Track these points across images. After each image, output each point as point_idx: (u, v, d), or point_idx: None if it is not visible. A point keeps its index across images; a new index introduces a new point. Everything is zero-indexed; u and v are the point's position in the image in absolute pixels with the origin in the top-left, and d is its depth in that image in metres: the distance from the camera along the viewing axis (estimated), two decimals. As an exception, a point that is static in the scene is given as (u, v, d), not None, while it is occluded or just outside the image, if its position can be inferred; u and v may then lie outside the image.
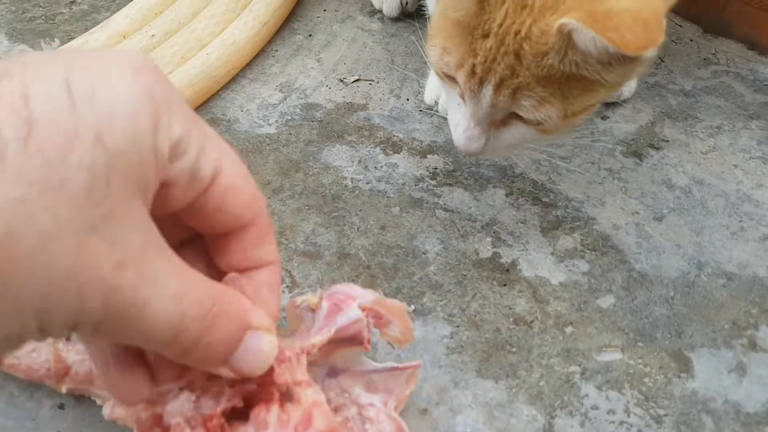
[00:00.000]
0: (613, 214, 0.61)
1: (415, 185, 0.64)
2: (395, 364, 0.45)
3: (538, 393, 0.49)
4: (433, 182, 0.64)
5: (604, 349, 0.51)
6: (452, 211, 0.61)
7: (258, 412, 0.37)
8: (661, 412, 0.47)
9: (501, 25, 0.46)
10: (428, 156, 0.66)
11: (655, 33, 0.42)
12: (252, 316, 0.34)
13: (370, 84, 0.73)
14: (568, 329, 0.53)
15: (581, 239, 0.59)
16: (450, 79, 0.52)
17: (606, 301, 0.55)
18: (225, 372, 0.34)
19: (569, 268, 0.57)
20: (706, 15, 0.79)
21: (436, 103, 0.69)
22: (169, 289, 0.29)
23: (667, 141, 0.68)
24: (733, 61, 0.77)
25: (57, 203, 0.25)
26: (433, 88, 0.70)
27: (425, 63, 0.71)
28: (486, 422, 0.47)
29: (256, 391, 0.37)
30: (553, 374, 0.50)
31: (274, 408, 0.36)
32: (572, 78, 0.47)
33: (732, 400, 0.48)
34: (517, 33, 0.45)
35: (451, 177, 0.64)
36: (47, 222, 0.25)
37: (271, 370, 0.36)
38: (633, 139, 0.68)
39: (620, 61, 0.45)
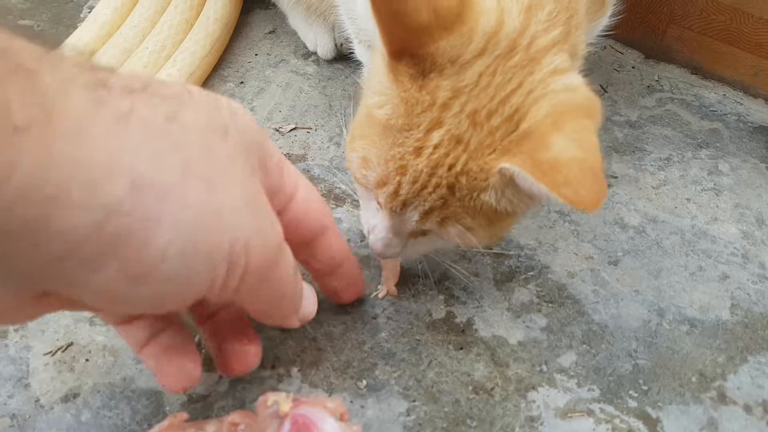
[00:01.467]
0: (567, 261, 0.59)
1: (361, 241, 0.60)
2: None
3: (503, 472, 0.45)
4: (380, 236, 0.60)
5: (570, 414, 0.48)
6: (401, 268, 0.58)
7: None
8: (634, 482, 0.45)
9: (436, 148, 0.42)
10: (373, 208, 0.63)
11: (604, 184, 0.39)
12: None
13: (308, 132, 0.70)
14: (530, 395, 0.50)
15: (537, 291, 0.56)
16: (365, 188, 0.48)
17: (567, 359, 0.52)
18: (295, 321, 0.46)
19: (527, 324, 0.54)
20: (646, 41, 0.78)
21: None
22: (287, 248, 0.40)
23: (616, 177, 0.66)
24: (677, 87, 0.75)
25: (229, 140, 0.35)
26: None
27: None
28: None
29: None
30: (518, 449, 0.46)
31: None
32: (500, 210, 0.44)
33: (705, 462, 0.46)
34: (451, 167, 0.43)
35: (397, 230, 0.61)
36: (223, 152, 0.34)
37: None
38: (583, 177, 0.66)
39: (555, 203, 0.46)
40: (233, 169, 0.34)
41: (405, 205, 0.45)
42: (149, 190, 0.29)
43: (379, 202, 0.47)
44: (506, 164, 0.41)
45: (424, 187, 0.43)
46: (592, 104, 0.43)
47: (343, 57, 0.76)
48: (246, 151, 0.36)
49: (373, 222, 0.49)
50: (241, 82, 0.74)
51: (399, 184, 0.44)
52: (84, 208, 0.27)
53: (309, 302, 0.47)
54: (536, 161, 0.40)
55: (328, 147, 0.68)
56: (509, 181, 0.42)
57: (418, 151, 0.43)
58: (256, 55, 0.78)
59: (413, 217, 0.45)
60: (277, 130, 0.69)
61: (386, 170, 0.44)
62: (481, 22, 0.42)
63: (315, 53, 0.77)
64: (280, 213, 0.40)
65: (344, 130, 0.69)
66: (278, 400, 0.41)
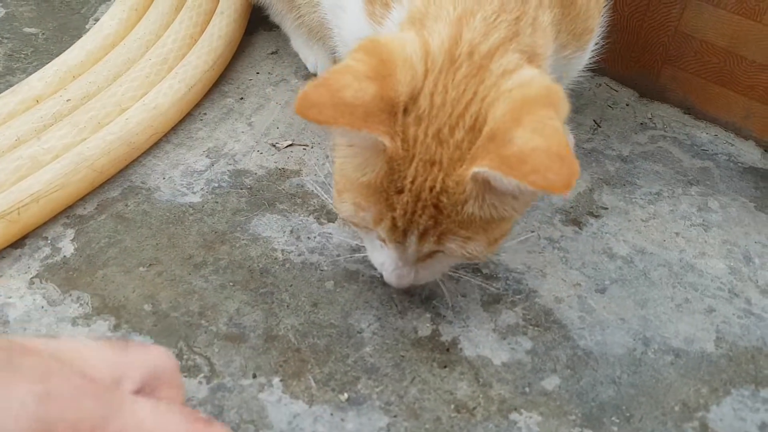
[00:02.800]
0: (554, 286, 0.59)
1: (351, 256, 0.60)
2: None
3: (481, 491, 0.45)
4: (369, 254, 0.60)
5: (551, 437, 0.48)
6: (390, 285, 0.58)
7: None
8: (613, 507, 0.44)
9: (413, 181, 0.44)
10: (364, 226, 0.63)
11: (573, 165, 0.40)
12: None
13: (304, 149, 0.70)
14: (512, 416, 0.49)
15: (523, 314, 0.56)
16: (365, 228, 0.50)
17: (551, 383, 0.52)
18: None
19: (512, 345, 0.54)
20: (641, 79, 0.80)
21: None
22: None
23: (606, 208, 0.66)
24: (669, 125, 0.76)
25: None
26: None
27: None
28: None
29: None
30: (497, 468, 0.46)
31: None
32: (488, 217, 0.45)
33: (686, 491, 0.45)
34: (432, 188, 0.44)
35: (387, 248, 0.61)
36: None
37: None
38: (572, 207, 0.66)
39: (533, 194, 0.45)
40: None
41: (405, 233, 0.47)
42: None
43: (381, 239, 0.49)
44: (476, 169, 0.42)
45: (413, 213, 0.45)
46: (550, 92, 0.44)
47: (343, 79, 0.77)
48: None
49: (381, 258, 0.51)
50: (241, 98, 0.75)
51: (392, 218, 0.46)
52: None
53: None
54: (503, 158, 0.41)
55: (323, 164, 0.69)
56: (485, 186, 0.43)
57: (399, 190, 0.45)
58: (258, 73, 0.79)
59: (413, 242, 0.47)
60: (274, 146, 0.70)
61: (378, 210, 0.46)
62: (406, 53, 0.44)
63: (315, 74, 0.78)
64: None
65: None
66: None
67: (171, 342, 0.53)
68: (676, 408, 0.50)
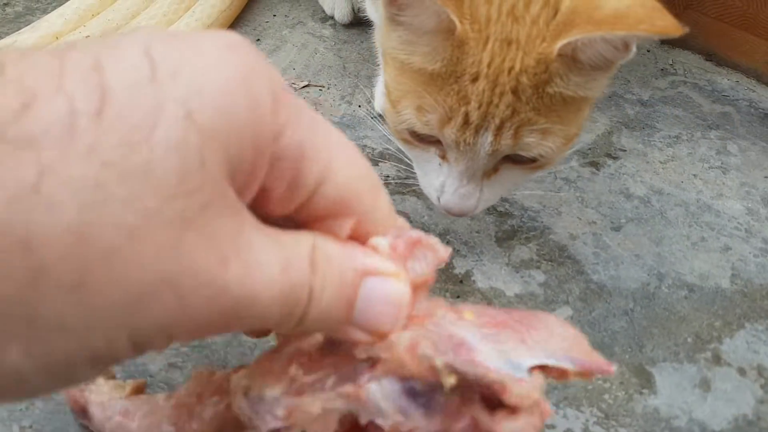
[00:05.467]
0: (569, 224, 0.59)
1: (365, 194, 0.60)
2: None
3: (491, 412, 0.45)
4: (386, 191, 0.60)
5: (562, 364, 0.48)
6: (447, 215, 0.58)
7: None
8: (623, 431, 0.44)
9: (490, 65, 0.42)
10: (380, 164, 0.63)
11: (670, 15, 0.39)
12: (365, 259, 0.27)
13: (320, 90, 0.70)
14: (524, 343, 0.50)
15: (537, 249, 0.56)
16: (422, 141, 0.47)
17: (563, 313, 0.52)
18: (357, 334, 0.28)
19: (525, 279, 0.54)
20: (662, 26, 0.78)
21: (388, 109, 0.66)
22: (274, 266, 0.24)
23: (625, 150, 0.66)
24: (690, 71, 0.75)
25: (142, 190, 0.21)
26: (382, 96, 0.67)
27: (378, 69, 0.68)
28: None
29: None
30: (508, 391, 0.46)
31: None
32: (568, 101, 0.44)
33: (697, 418, 0.46)
34: (510, 70, 0.42)
35: (403, 185, 0.61)
36: (131, 214, 0.21)
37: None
38: (590, 149, 0.66)
39: (610, 67, 0.44)
40: (166, 214, 0.21)
41: (477, 131, 0.44)
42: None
43: (441, 153, 0.47)
44: (567, 39, 0.40)
45: (489, 103, 0.43)
46: None
47: (360, 22, 0.77)
48: (200, 146, 0.22)
49: (440, 179, 0.48)
50: (257, 40, 0.75)
51: (466, 113, 0.43)
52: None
53: (375, 308, 0.28)
54: (597, 22, 0.40)
55: (340, 105, 0.69)
56: (570, 62, 0.42)
57: (474, 77, 0.43)
58: (274, 15, 0.78)
59: (487, 141, 0.44)
60: (290, 86, 0.70)
61: (446, 107, 0.44)
62: None
63: (332, 17, 0.78)
64: (306, 203, 0.26)
65: (364, 92, 0.70)
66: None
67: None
68: (689, 339, 0.51)
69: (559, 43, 0.41)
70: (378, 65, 0.68)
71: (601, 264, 0.56)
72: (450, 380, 0.27)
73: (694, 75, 0.75)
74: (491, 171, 0.48)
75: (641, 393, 0.47)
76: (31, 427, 0.41)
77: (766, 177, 0.64)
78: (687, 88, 0.73)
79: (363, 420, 0.29)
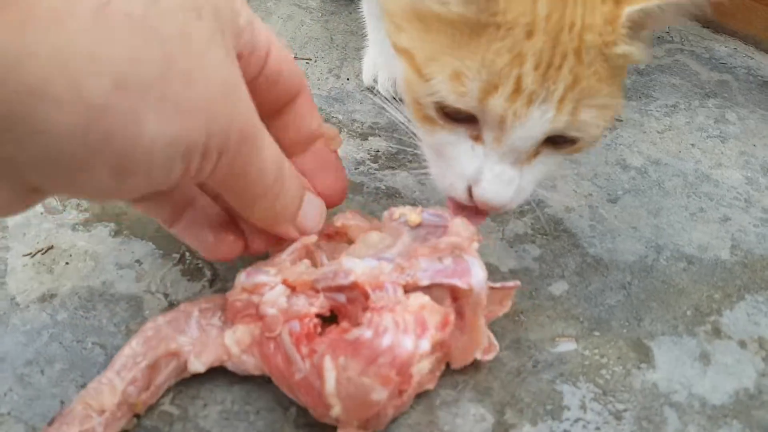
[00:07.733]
0: (565, 197, 0.57)
1: (356, 169, 0.59)
2: (490, 284, 0.42)
3: (486, 389, 0.44)
4: (375, 165, 0.59)
5: (558, 339, 0.47)
6: (395, 196, 0.56)
7: (371, 317, 0.37)
8: (621, 406, 0.43)
9: (548, 18, 0.36)
10: (369, 138, 0.61)
11: None
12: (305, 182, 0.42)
13: (307, 63, 0.68)
14: (519, 318, 0.48)
15: (532, 223, 0.55)
16: (451, 119, 0.40)
17: (558, 288, 0.50)
18: (291, 231, 0.41)
19: (519, 253, 0.53)
20: (658, -7, 0.76)
21: (376, 82, 0.64)
22: (269, 138, 0.36)
23: (621, 120, 0.64)
24: (687, 39, 0.74)
25: (204, 19, 0.31)
26: (371, 68, 0.65)
27: (367, 41, 0.66)
28: (431, 422, 0.42)
29: (344, 306, 0.40)
30: (503, 368, 0.45)
31: (387, 314, 0.37)
32: (621, 71, 0.39)
33: (696, 393, 0.44)
34: (572, 26, 0.36)
35: (393, 160, 0.60)
36: (201, 36, 0.30)
37: (365, 295, 0.39)
38: (586, 119, 0.64)
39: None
40: (210, 55, 0.32)
41: (531, 101, 0.37)
42: (132, 88, 0.28)
43: (475, 134, 0.40)
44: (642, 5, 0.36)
45: (549, 65, 0.36)
46: None
47: (348, -7, 0.75)
48: (221, 28, 0.33)
49: (475, 164, 0.40)
50: (243, 13, 0.73)
51: (518, 77, 0.37)
52: (69, 106, 0.26)
53: (311, 214, 0.42)
54: None
55: (327, 78, 0.67)
56: (642, 23, 0.37)
57: (530, 31, 0.36)
58: (259, -13, 0.76)
59: (546, 116, 0.37)
60: (276, 60, 0.68)
61: (494, 70, 0.37)
62: None
63: (319, -12, 0.76)
64: (256, 76, 0.37)
65: (352, 65, 0.68)
66: (405, 213, 0.43)
67: (173, 247, 0.52)
68: (688, 312, 0.49)
69: (637, 6, 0.37)
70: (366, 37, 0.66)
71: (597, 237, 0.54)
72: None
73: (691, 42, 0.73)
74: (531, 155, 0.41)
75: (639, 368, 0.45)
76: (9, 413, 0.39)
77: (765, 145, 0.63)
78: (684, 56, 0.72)
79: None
